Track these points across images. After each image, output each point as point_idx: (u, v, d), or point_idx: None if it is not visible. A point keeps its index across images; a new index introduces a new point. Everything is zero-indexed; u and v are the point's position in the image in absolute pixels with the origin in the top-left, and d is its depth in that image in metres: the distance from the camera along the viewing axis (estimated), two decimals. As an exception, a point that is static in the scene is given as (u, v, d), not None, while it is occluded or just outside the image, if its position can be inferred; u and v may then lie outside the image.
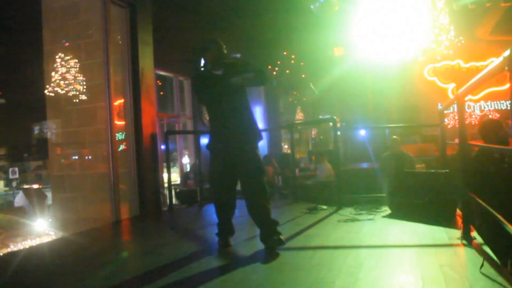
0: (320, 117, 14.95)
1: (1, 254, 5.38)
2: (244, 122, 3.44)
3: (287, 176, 9.68)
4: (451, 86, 11.78)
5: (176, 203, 8.01)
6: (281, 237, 3.29)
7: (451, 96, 11.63)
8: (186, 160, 10.86)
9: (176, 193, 8.47)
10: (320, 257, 3.06)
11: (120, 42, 5.54)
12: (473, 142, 4.13)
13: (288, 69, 12.40)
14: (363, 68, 9.88)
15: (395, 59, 8.04)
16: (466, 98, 4.63)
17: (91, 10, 5.59)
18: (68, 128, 5.88)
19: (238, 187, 3.55)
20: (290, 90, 14.74)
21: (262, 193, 3.33)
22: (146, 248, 3.81)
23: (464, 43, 8.93)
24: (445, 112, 5.60)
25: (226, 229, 3.53)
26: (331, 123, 6.15)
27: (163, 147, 7.65)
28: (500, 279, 2.29)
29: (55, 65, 6.11)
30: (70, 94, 5.91)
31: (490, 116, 11.12)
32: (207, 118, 10.45)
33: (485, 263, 2.49)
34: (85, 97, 5.82)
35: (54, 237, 6.25)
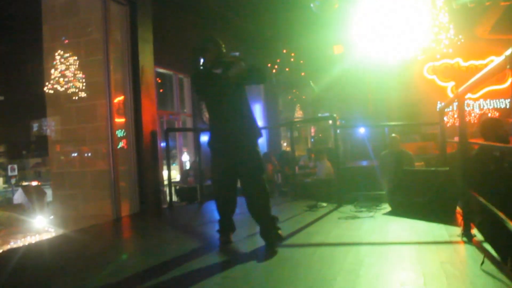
0: (319, 115, 14.99)
1: (2, 250, 5.38)
2: (244, 120, 3.46)
3: (286, 173, 9.69)
4: (450, 84, 11.80)
5: (175, 200, 8.02)
6: (280, 232, 3.37)
7: (450, 94, 11.65)
8: (185, 157, 10.86)
9: (176, 190, 8.48)
10: (320, 254, 3.08)
11: (120, 40, 5.54)
12: (472, 140, 4.13)
13: (288, 67, 12.39)
14: (362, 66, 9.89)
15: (395, 58, 8.04)
16: (466, 97, 4.63)
17: (91, 8, 5.59)
18: (68, 125, 5.89)
19: (239, 184, 3.58)
20: (289, 88, 14.75)
21: (262, 190, 3.36)
22: (147, 245, 3.82)
23: (463, 42, 8.94)
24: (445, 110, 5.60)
25: (227, 226, 3.54)
26: (331, 121, 6.14)
27: (163, 144, 7.65)
28: (500, 276, 2.30)
29: (55, 63, 6.11)
30: (70, 91, 5.92)
31: (489, 115, 11.16)
32: (207, 115, 10.46)
33: (486, 260, 2.51)
34: (85, 95, 5.82)
35: (54, 234, 6.26)
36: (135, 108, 5.48)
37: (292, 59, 12.19)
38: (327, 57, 10.92)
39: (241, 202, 3.56)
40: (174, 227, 4.85)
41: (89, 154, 5.82)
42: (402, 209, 4.33)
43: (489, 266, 2.46)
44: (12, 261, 3.41)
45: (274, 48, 11.98)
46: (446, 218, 3.82)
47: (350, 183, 5.70)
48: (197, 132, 8.72)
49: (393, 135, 7.07)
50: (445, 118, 6.18)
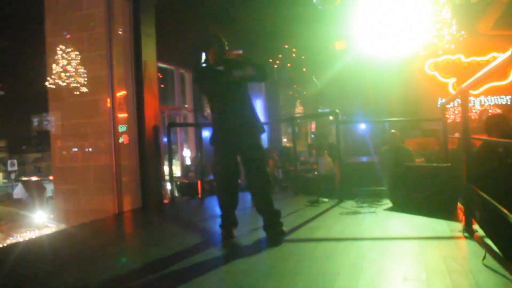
0: (320, 110, 14.98)
1: (5, 245, 5.41)
2: (246, 116, 3.53)
3: (287, 169, 9.71)
4: (451, 80, 11.79)
5: (177, 195, 8.04)
6: (283, 228, 3.42)
7: (451, 90, 11.64)
8: (186, 153, 10.88)
9: (176, 185, 8.50)
10: (323, 248, 3.10)
11: (123, 34, 5.53)
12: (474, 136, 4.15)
13: (289, 63, 12.38)
14: (364, 62, 9.88)
15: (397, 54, 8.04)
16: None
17: (94, 2, 5.59)
18: (71, 120, 5.89)
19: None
20: (290, 84, 14.74)
21: (266, 183, 3.43)
22: (150, 240, 3.84)
23: (465, 38, 8.93)
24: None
25: (229, 220, 3.57)
26: (331, 117, 6.15)
27: (164, 139, 7.66)
28: (502, 270, 2.32)
29: (56, 57, 6.10)
30: (72, 86, 5.91)
31: (490, 111, 11.17)
32: (208, 111, 10.48)
33: (487, 255, 2.53)
34: (88, 89, 5.82)
35: (56, 229, 6.29)
36: (137, 103, 5.49)
37: (293, 55, 12.18)
38: (328, 53, 10.91)
39: (242, 197, 3.59)
40: (176, 222, 4.87)
41: (91, 149, 5.83)
42: (404, 204, 4.35)
43: (490, 261, 2.48)
44: (16, 255, 3.43)
45: (276, 44, 11.96)
46: (447, 214, 3.84)
47: (350, 178, 5.72)
48: (198, 127, 8.73)
49: (393, 131, 7.08)
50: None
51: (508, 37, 10.54)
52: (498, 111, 11.23)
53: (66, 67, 5.93)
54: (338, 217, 4.17)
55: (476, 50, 11.53)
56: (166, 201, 6.26)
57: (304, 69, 12.49)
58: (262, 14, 10.41)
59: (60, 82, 5.96)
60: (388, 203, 4.66)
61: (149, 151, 5.56)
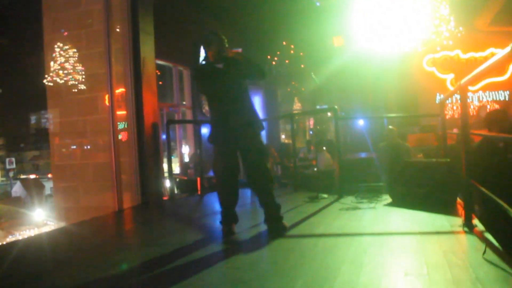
0: (318, 107, 14.99)
1: (6, 242, 5.41)
2: (246, 113, 3.55)
3: (286, 165, 9.73)
4: (449, 77, 11.80)
5: (176, 192, 8.05)
6: (284, 222, 3.49)
7: (449, 86, 11.65)
8: (185, 149, 10.88)
9: (176, 182, 8.50)
10: (324, 244, 3.11)
11: (121, 31, 5.52)
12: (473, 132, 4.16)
13: (288, 59, 12.38)
14: (362, 58, 9.88)
15: (395, 50, 8.05)
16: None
17: (92, -1, 5.58)
18: (70, 117, 5.89)
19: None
20: (289, 80, 14.73)
21: (268, 180, 3.48)
22: (151, 237, 3.85)
23: (463, 34, 8.93)
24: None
25: (230, 217, 3.58)
26: (329, 113, 6.17)
27: (163, 136, 7.66)
28: (503, 264, 2.34)
29: (54, 55, 6.09)
30: (71, 83, 5.91)
31: (488, 107, 11.19)
32: (206, 108, 10.47)
33: (488, 250, 2.54)
34: (86, 87, 5.82)
35: (56, 227, 6.29)
36: (136, 100, 5.49)
37: (291, 51, 12.18)
38: (327, 49, 10.90)
39: (242, 194, 3.61)
40: (176, 219, 4.88)
41: (91, 146, 5.83)
42: (403, 200, 4.37)
43: (491, 255, 2.50)
44: (15, 253, 3.43)
45: (274, 40, 11.95)
46: (447, 209, 3.86)
47: (349, 174, 5.74)
48: (197, 124, 8.73)
49: (390, 127, 7.10)
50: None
51: (506, 33, 10.55)
52: (496, 106, 11.26)
53: (64, 65, 5.93)
54: (338, 213, 4.18)
55: (474, 46, 11.53)
56: (165, 198, 6.27)
57: (302, 66, 12.48)
58: (260, 10, 10.40)
59: (58, 80, 5.96)
60: (387, 198, 4.68)
61: (148, 148, 5.56)
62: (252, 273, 2.54)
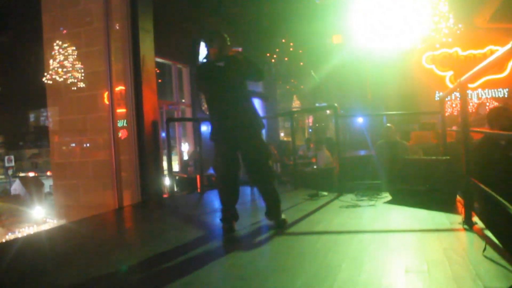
0: (317, 105, 15.01)
1: (7, 239, 5.42)
2: (246, 111, 3.59)
3: (285, 163, 9.74)
4: (448, 74, 11.81)
5: (175, 190, 8.05)
6: (284, 217, 3.59)
7: (448, 84, 11.66)
8: (185, 147, 10.88)
9: (175, 180, 8.50)
10: (324, 241, 3.12)
11: (120, 29, 5.51)
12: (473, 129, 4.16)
13: (287, 57, 12.37)
14: (362, 56, 9.89)
15: (394, 48, 8.05)
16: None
17: (91, -3, 5.57)
18: (70, 115, 5.89)
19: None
20: (288, 78, 14.74)
21: (270, 175, 3.62)
22: (151, 234, 3.85)
23: (462, 31, 8.94)
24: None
25: (230, 214, 3.59)
26: (328, 111, 6.18)
27: (162, 134, 7.66)
28: (503, 262, 2.35)
29: (53, 53, 6.09)
30: (70, 81, 5.91)
31: (488, 104, 11.20)
32: (206, 106, 10.46)
33: (488, 247, 2.55)
34: (86, 85, 5.81)
35: (56, 224, 6.30)
36: (136, 98, 5.48)
37: (291, 49, 12.17)
38: (326, 47, 10.91)
39: (242, 191, 3.62)
40: (176, 217, 4.89)
41: (91, 144, 5.83)
42: (403, 197, 4.37)
43: (491, 252, 2.51)
44: (16, 251, 3.44)
45: (273, 38, 11.95)
46: (447, 207, 3.87)
47: (349, 172, 5.75)
48: (197, 122, 8.73)
49: (388, 124, 7.10)
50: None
51: (505, 30, 10.56)
52: (496, 104, 11.27)
53: (64, 63, 5.92)
54: (338, 211, 4.19)
55: (473, 43, 11.55)
56: (165, 196, 6.27)
57: (301, 63, 12.48)
58: (259, 8, 10.39)
59: (58, 78, 5.95)
60: (387, 196, 4.69)
61: (148, 146, 5.57)
62: (252, 270, 2.55)
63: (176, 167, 10.34)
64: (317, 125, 17.69)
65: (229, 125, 3.51)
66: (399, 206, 4.22)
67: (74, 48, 5.87)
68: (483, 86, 11.73)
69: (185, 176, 8.87)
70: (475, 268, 2.30)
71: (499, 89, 11.73)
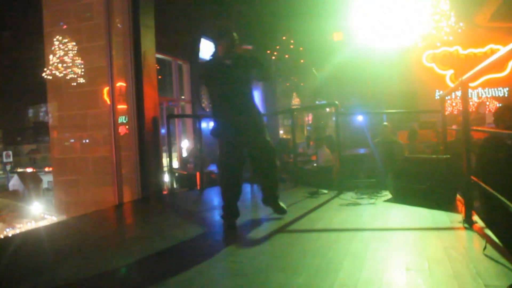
0: (317, 102, 15.00)
1: (6, 235, 5.42)
2: (252, 108, 3.67)
3: (285, 161, 9.72)
4: (449, 72, 11.81)
5: (175, 187, 8.04)
6: (282, 204, 3.85)
7: (449, 83, 11.67)
8: (184, 144, 10.88)
9: (175, 177, 8.50)
10: (325, 239, 3.13)
11: (122, 25, 5.50)
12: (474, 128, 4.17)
13: (287, 54, 12.36)
14: (362, 53, 9.88)
15: (395, 45, 8.05)
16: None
17: (92, -8, 5.55)
18: (70, 111, 5.88)
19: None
20: (288, 76, 14.73)
21: (276, 167, 3.76)
22: (152, 230, 3.86)
23: (463, 30, 8.94)
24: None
25: (232, 211, 3.60)
26: (328, 109, 6.18)
27: (162, 131, 7.65)
28: (503, 260, 2.36)
29: (53, 48, 6.07)
30: (71, 77, 5.89)
31: (487, 103, 11.22)
32: (206, 103, 10.46)
33: (488, 246, 2.56)
34: (87, 80, 5.80)
35: (55, 220, 6.30)
36: (137, 94, 5.48)
37: (291, 46, 12.16)
38: (326, 45, 10.90)
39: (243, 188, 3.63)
40: (176, 213, 4.89)
41: (91, 140, 5.82)
42: (403, 196, 4.38)
43: (491, 251, 2.52)
44: (16, 246, 3.44)
45: (274, 35, 11.93)
46: (447, 205, 3.88)
47: (349, 170, 5.75)
48: (198, 119, 8.72)
49: (385, 123, 7.10)
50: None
51: (505, 29, 10.56)
52: (496, 103, 11.30)
53: (64, 58, 5.90)
54: (339, 208, 4.20)
55: (474, 42, 11.54)
56: (164, 192, 6.28)
57: (302, 61, 12.47)
58: (260, 5, 10.37)
59: (58, 73, 5.94)
60: (387, 194, 4.70)
61: (149, 142, 5.56)
62: (254, 267, 2.56)
63: (175, 164, 10.34)
64: (316, 123, 17.69)
65: (235, 122, 3.55)
66: (399, 204, 4.23)
67: (74, 43, 5.85)
68: (483, 85, 11.73)
69: (185, 173, 8.86)
70: (476, 266, 2.31)
71: (499, 88, 11.74)
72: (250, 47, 3.53)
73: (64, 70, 5.96)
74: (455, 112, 11.25)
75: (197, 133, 8.56)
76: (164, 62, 10.07)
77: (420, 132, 9.08)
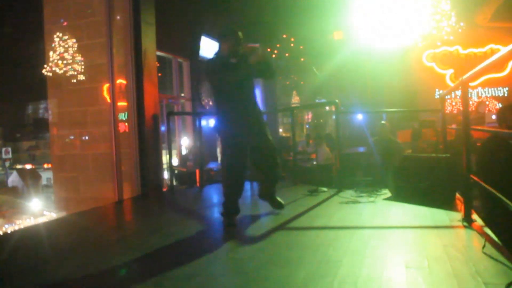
0: (317, 101, 15.01)
1: (6, 231, 5.42)
2: (254, 107, 3.76)
3: (284, 159, 9.73)
4: (449, 72, 11.82)
5: (175, 184, 8.05)
6: (279, 199, 3.96)
7: (449, 82, 11.68)
8: (184, 141, 10.88)
9: (174, 174, 8.51)
10: (325, 236, 3.14)
11: (122, 22, 5.50)
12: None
13: (287, 52, 12.37)
14: (362, 52, 9.89)
15: (395, 45, 8.06)
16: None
17: (94, -11, 5.55)
18: (70, 108, 5.88)
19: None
20: (288, 74, 14.74)
21: (276, 163, 3.81)
22: (152, 227, 3.86)
23: (464, 29, 8.95)
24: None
25: (232, 208, 3.62)
26: (327, 107, 6.19)
27: (162, 128, 7.65)
28: (502, 259, 2.37)
29: (54, 45, 6.07)
30: (72, 74, 5.89)
31: (487, 103, 11.24)
32: (205, 100, 10.46)
33: (487, 244, 2.58)
34: (87, 77, 5.80)
35: (54, 217, 6.31)
36: (137, 92, 5.48)
37: (292, 45, 12.16)
38: (327, 43, 10.90)
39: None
40: (176, 210, 4.90)
41: (91, 137, 5.83)
42: (402, 194, 4.39)
43: (490, 249, 2.53)
44: (15, 243, 3.45)
45: (274, 33, 11.93)
46: (446, 204, 3.89)
47: (349, 168, 5.76)
48: (198, 117, 8.73)
49: (383, 122, 7.11)
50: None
51: (505, 29, 10.57)
52: (495, 102, 11.32)
53: (65, 55, 5.90)
54: (338, 206, 4.21)
55: (474, 42, 11.55)
56: (164, 189, 6.28)
57: (302, 59, 12.47)
58: (260, 3, 10.36)
59: (59, 70, 5.93)
60: (387, 192, 4.70)
61: (149, 140, 5.57)
62: (254, 264, 2.57)
63: (175, 161, 10.35)
64: (315, 121, 17.70)
65: (239, 120, 3.60)
66: (399, 203, 4.24)
67: (75, 40, 5.85)
68: (483, 84, 11.75)
69: (185, 170, 8.87)
70: (475, 264, 2.32)
71: (499, 88, 11.76)
72: (257, 45, 3.56)
73: (65, 67, 5.96)
74: (455, 112, 11.26)
75: (197, 130, 8.57)
76: (164, 60, 10.06)
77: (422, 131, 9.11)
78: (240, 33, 3.63)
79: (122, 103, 5.57)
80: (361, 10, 8.09)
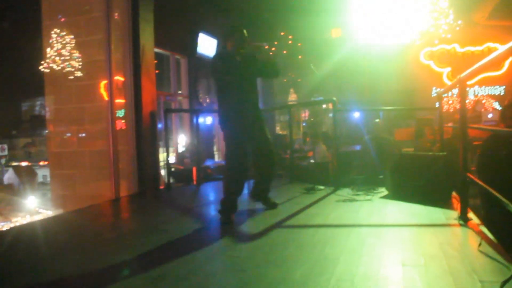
0: (313, 99, 15.01)
1: (3, 229, 5.41)
2: (256, 104, 3.85)
3: (281, 157, 9.74)
4: (446, 70, 11.85)
5: (171, 182, 8.05)
6: (272, 199, 4.03)
7: (446, 80, 11.71)
8: (181, 139, 10.87)
9: (171, 172, 8.50)
10: (322, 234, 3.15)
11: (121, 19, 5.49)
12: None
13: (285, 50, 12.35)
14: (360, 50, 9.89)
15: (393, 43, 8.07)
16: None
17: (92, -15, 5.52)
18: (67, 104, 5.86)
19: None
20: (285, 71, 14.72)
21: (273, 163, 3.91)
22: (149, 225, 3.86)
23: (461, 27, 8.96)
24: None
25: (230, 206, 3.63)
26: (324, 105, 6.19)
27: (160, 125, 7.64)
28: (498, 257, 2.39)
29: (51, 41, 6.04)
30: (69, 70, 5.87)
31: (484, 101, 11.27)
32: (203, 97, 10.44)
33: (483, 242, 2.59)
34: (84, 74, 5.79)
35: (50, 214, 6.29)
36: (135, 88, 5.47)
37: (289, 42, 12.15)
38: (325, 41, 10.90)
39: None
40: (174, 208, 4.89)
41: (88, 134, 5.82)
42: (399, 192, 4.40)
43: (486, 247, 2.54)
44: (12, 240, 3.44)
45: (272, 30, 11.91)
46: (443, 202, 3.90)
47: (345, 166, 5.77)
48: (195, 114, 8.71)
49: (377, 120, 7.13)
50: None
51: (503, 28, 10.59)
52: (492, 101, 11.36)
53: (62, 51, 5.88)
54: (335, 205, 4.22)
55: (471, 40, 11.58)
56: (161, 187, 6.28)
57: (300, 57, 12.46)
58: (259, 0, 10.35)
59: (56, 67, 5.91)
60: (383, 191, 4.72)
61: (146, 137, 5.56)
62: (251, 262, 2.57)
63: (172, 159, 10.34)
64: (312, 119, 17.70)
65: (243, 119, 3.67)
66: (395, 201, 4.25)
67: (73, 36, 5.83)
68: (480, 83, 11.79)
69: (182, 167, 8.86)
70: (471, 262, 2.34)
71: (495, 87, 11.80)
72: (263, 44, 3.63)
73: (62, 63, 5.94)
74: (451, 110, 11.29)
75: (194, 128, 8.57)
76: (162, 57, 10.04)
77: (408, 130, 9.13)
78: (245, 31, 3.68)
79: (119, 100, 5.56)
80: (360, 11, 8.10)
